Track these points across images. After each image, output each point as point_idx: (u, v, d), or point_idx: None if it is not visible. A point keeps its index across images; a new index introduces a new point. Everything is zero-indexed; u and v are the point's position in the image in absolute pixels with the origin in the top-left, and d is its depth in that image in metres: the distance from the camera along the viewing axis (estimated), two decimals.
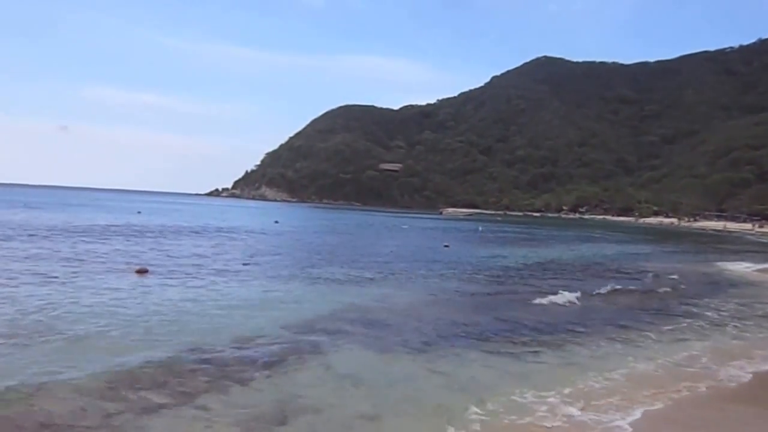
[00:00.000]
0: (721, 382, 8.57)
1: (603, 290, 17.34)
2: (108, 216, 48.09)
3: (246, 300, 13.09)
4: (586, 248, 39.15)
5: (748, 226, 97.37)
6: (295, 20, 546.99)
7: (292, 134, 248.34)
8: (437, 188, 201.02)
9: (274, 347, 9.16)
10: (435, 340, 10.28)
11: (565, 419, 6.75)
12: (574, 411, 6.99)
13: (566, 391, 7.68)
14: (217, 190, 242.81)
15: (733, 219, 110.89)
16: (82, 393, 6.75)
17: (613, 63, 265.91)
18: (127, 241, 26.43)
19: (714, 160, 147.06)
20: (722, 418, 7.15)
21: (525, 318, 12.60)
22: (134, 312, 11.07)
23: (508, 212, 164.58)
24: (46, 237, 25.39)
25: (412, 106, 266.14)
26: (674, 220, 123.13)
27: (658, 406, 7.36)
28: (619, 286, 18.41)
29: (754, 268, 27.16)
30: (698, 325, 12.76)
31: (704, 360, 9.71)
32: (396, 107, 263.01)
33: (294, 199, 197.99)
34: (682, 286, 19.39)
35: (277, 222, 56.05)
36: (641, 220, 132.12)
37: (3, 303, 11.15)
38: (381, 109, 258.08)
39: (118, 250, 22.13)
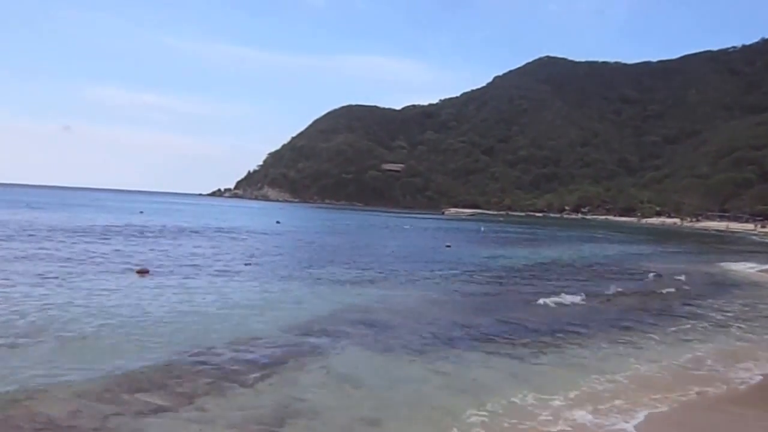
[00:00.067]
0: (727, 384, 8.46)
1: (606, 291, 17.24)
2: (110, 216, 48.14)
3: (246, 301, 13.02)
4: (589, 249, 39.02)
5: (750, 226, 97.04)
6: (297, 20, 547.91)
7: (294, 134, 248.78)
8: (439, 188, 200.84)
9: (274, 349, 9.09)
10: (436, 341, 10.19)
11: (568, 423, 6.65)
12: (577, 414, 6.89)
13: (569, 393, 7.58)
14: (219, 190, 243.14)
15: (736, 219, 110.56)
16: (78, 395, 6.68)
17: (616, 63, 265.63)
18: (128, 241, 26.42)
19: (716, 161, 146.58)
20: (729, 421, 7.05)
21: (527, 319, 12.50)
22: (133, 313, 11.02)
23: (510, 212, 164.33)
24: (46, 237, 25.40)
25: (414, 106, 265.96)
26: (676, 221, 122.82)
27: (663, 409, 7.26)
28: (621, 287, 18.30)
29: (758, 269, 27.00)
30: (702, 327, 12.65)
31: (709, 362, 9.61)
32: (398, 107, 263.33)
33: (296, 200, 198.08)
34: (686, 287, 19.26)
35: (278, 222, 56.06)
36: (643, 221, 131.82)
37: (1, 304, 11.10)
38: (383, 109, 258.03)
39: (119, 250, 22.10)
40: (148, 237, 29.45)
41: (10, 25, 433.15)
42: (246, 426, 6.17)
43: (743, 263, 29.59)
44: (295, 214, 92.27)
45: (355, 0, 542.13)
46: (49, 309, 10.87)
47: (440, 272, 20.60)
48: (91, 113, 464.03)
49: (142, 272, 16.25)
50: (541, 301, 14.85)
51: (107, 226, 35.35)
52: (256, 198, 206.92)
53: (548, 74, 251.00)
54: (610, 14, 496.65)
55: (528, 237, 52.71)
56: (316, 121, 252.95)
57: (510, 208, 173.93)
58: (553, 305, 14.44)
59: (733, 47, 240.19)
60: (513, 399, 7.26)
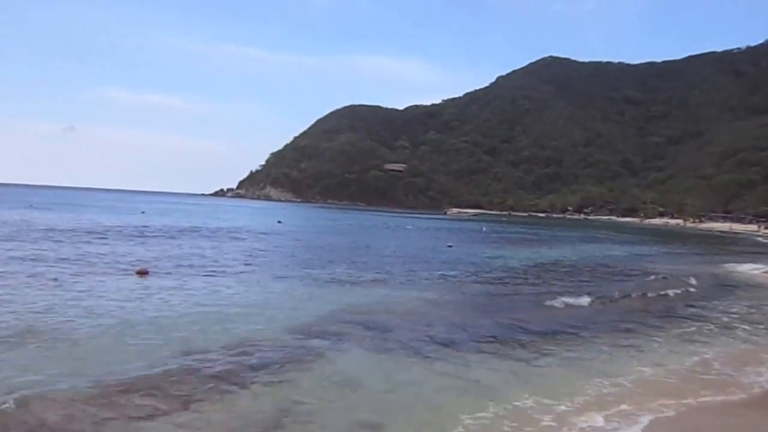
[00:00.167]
0: (734, 388, 8.31)
1: (609, 293, 17.08)
2: (111, 216, 48.16)
3: (246, 302, 12.93)
4: (592, 249, 38.83)
5: (754, 227, 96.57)
6: (300, 20, 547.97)
7: (297, 134, 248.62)
8: (442, 188, 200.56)
9: (273, 350, 8.99)
10: (437, 342, 10.08)
11: (571, 428, 6.52)
12: (580, 419, 6.76)
13: (573, 397, 7.45)
14: (222, 190, 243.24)
15: (739, 220, 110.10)
16: (73, 398, 6.58)
17: (620, 63, 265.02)
18: (129, 241, 26.37)
19: (720, 161, 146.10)
20: (737, 425, 6.90)
21: (530, 320, 12.37)
22: (131, 315, 10.93)
23: (513, 213, 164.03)
24: (47, 237, 25.36)
25: (417, 106, 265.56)
26: (680, 221, 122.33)
27: (670, 413, 7.12)
28: (625, 289, 18.15)
29: (763, 270, 26.76)
30: (708, 329, 12.50)
31: (716, 365, 9.46)
32: (401, 107, 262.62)
33: (298, 200, 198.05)
34: (690, 289, 19.07)
35: (280, 222, 56.04)
36: (646, 221, 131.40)
37: None
38: (386, 109, 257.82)
39: (120, 250, 22.04)
40: (149, 237, 29.40)
41: (12, 25, 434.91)
42: (244, 430, 6.08)
43: (748, 264, 29.35)
44: (297, 214, 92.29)
45: (359, 0, 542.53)
46: (45, 310, 10.79)
47: (441, 273, 20.47)
48: (94, 114, 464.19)
49: (142, 273, 16.17)
50: (543, 302, 14.72)
51: (108, 226, 35.32)
52: (259, 198, 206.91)
53: (552, 74, 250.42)
54: (614, 14, 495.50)
55: (530, 237, 52.52)
56: (318, 121, 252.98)
57: (512, 209, 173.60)
58: (555, 306, 14.30)
59: (738, 48, 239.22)
60: (515, 402, 7.16)
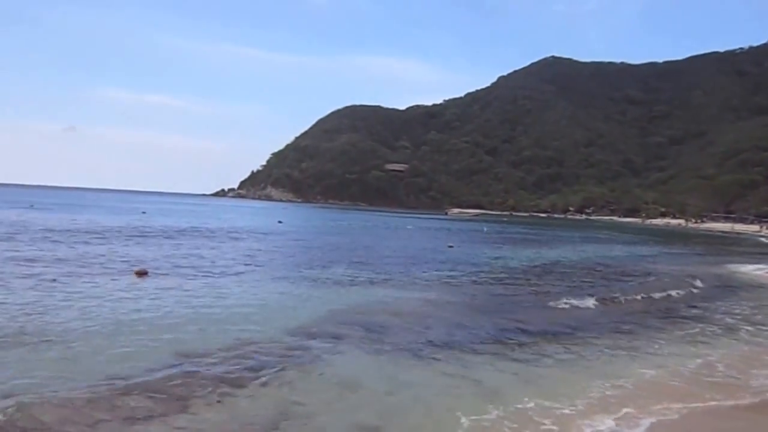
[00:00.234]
0: (739, 390, 8.19)
1: (611, 293, 16.95)
2: (112, 217, 48.12)
3: (244, 303, 12.84)
4: (593, 250, 38.67)
5: (756, 227, 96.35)
6: (301, 21, 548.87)
7: (297, 134, 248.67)
8: (443, 189, 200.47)
9: (271, 352, 8.90)
10: (437, 343, 9.98)
11: (573, 430, 6.43)
12: (582, 422, 6.66)
13: (575, 400, 7.36)
14: (223, 190, 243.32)
15: (741, 220, 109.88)
16: (68, 400, 6.50)
17: (621, 63, 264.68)
18: (129, 242, 26.27)
19: (722, 162, 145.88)
20: (741, 428, 6.81)
21: (531, 322, 12.27)
22: (129, 315, 10.83)
23: (514, 213, 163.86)
24: (47, 238, 25.27)
25: (418, 106, 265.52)
26: (681, 222, 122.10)
27: (673, 416, 7.02)
28: (627, 290, 18.02)
29: (766, 271, 26.59)
30: (711, 330, 12.38)
31: (720, 367, 9.34)
32: (402, 107, 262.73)
33: (299, 200, 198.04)
34: (693, 290, 18.94)
35: (280, 222, 55.96)
36: (648, 222, 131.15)
37: None
38: (387, 109, 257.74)
39: (119, 251, 21.93)
40: (149, 237, 29.32)
41: (15, 25, 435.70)
42: None
43: (750, 265, 29.18)
44: (298, 214, 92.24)
45: (359, 0, 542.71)
46: (41, 311, 10.69)
47: (442, 273, 20.37)
48: (95, 114, 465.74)
49: (141, 273, 16.07)
50: (544, 303, 14.63)
51: (108, 226, 35.25)
52: (260, 198, 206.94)
53: (553, 74, 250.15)
54: (615, 14, 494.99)
55: (532, 238, 52.38)
56: (319, 121, 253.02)
57: (514, 209, 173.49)
58: (556, 307, 14.20)
59: (740, 48, 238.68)
60: (517, 404, 7.09)
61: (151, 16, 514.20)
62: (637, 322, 12.94)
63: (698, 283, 20.24)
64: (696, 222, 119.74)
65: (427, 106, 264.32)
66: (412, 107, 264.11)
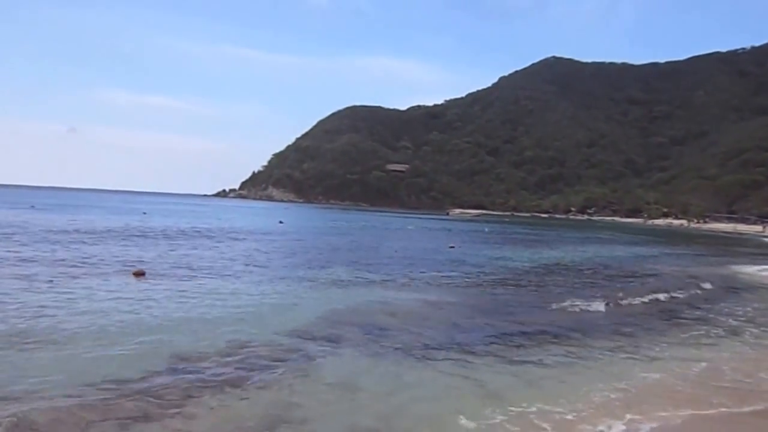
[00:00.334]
0: (744, 394, 8.04)
1: (613, 294, 16.78)
2: (112, 217, 48.04)
3: (243, 303, 12.72)
4: (595, 250, 38.49)
5: (758, 228, 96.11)
6: (302, 21, 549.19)
7: (299, 135, 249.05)
8: (444, 189, 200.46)
9: (270, 353, 8.78)
10: (438, 345, 9.86)
11: None
12: (585, 426, 6.51)
13: (576, 403, 7.22)
14: (224, 190, 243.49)
15: (744, 221, 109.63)
16: (61, 401, 6.41)
17: (623, 63, 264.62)
18: (128, 242, 26.18)
19: (724, 162, 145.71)
20: None
21: (533, 323, 12.15)
22: (125, 316, 10.71)
23: (516, 213, 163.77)
24: (45, 238, 25.17)
25: (419, 106, 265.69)
26: (683, 222, 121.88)
27: (677, 421, 6.88)
28: (630, 291, 17.86)
29: None
30: (715, 332, 12.22)
31: (725, 370, 9.18)
32: (403, 108, 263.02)
33: (301, 200, 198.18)
34: (696, 291, 18.78)
35: (281, 222, 55.88)
36: (650, 222, 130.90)
37: None
38: (388, 109, 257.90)
39: (118, 251, 21.83)
40: (149, 238, 29.22)
41: (14, 26, 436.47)
42: None
43: (754, 266, 29.01)
44: (299, 214, 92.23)
45: (360, 0, 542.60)
46: (37, 312, 10.58)
47: (443, 274, 20.24)
48: (96, 115, 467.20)
49: (138, 274, 15.97)
50: (546, 304, 14.48)
51: (108, 227, 35.19)
52: (261, 198, 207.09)
53: (555, 75, 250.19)
54: (617, 14, 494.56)
55: (533, 238, 52.21)
56: (320, 122, 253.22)
57: (515, 209, 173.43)
58: (558, 309, 14.05)
59: (743, 48, 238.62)
60: (518, 407, 6.96)
61: (152, 18, 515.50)
62: (639, 323, 12.79)
63: (702, 285, 20.06)
64: (698, 222, 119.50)
65: (428, 107, 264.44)
66: (413, 107, 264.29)
